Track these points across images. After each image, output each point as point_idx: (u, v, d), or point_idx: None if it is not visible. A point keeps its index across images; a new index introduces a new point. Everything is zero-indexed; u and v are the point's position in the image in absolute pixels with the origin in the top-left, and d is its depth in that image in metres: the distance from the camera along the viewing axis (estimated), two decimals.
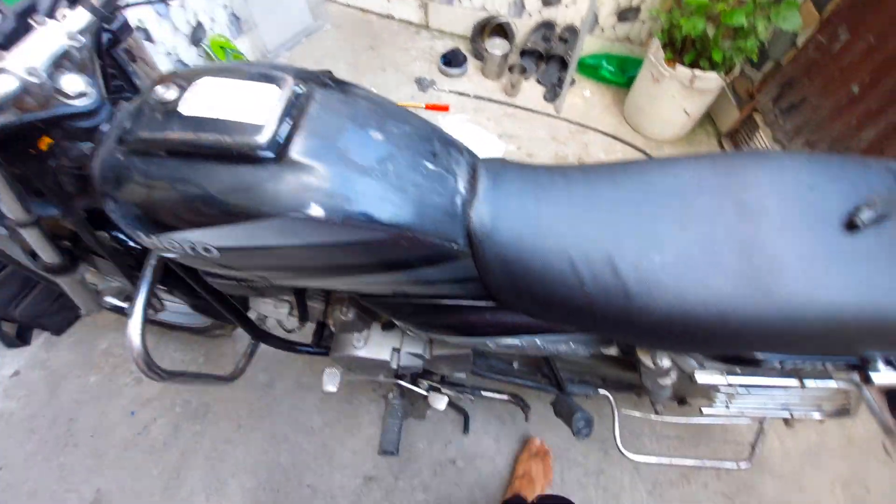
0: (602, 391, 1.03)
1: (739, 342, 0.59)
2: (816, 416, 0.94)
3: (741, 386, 0.73)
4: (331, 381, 1.07)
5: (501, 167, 0.66)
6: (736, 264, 0.57)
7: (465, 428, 1.36)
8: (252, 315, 1.09)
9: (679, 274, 0.58)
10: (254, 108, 0.54)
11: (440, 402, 1.03)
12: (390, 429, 1.01)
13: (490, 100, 2.15)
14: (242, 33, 2.14)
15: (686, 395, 1.05)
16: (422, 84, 2.18)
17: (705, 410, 0.96)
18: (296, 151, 0.53)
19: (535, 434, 1.38)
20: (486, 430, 1.39)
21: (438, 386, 1.10)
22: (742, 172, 0.62)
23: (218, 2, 1.98)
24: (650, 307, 0.59)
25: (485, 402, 1.42)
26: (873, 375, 0.60)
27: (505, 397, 1.12)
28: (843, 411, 0.91)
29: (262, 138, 0.52)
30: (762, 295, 0.55)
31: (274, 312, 1.00)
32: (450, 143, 0.65)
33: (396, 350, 0.97)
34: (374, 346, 0.96)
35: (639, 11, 2.03)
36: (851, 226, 0.56)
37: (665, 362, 0.71)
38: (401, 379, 1.09)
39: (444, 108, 2.08)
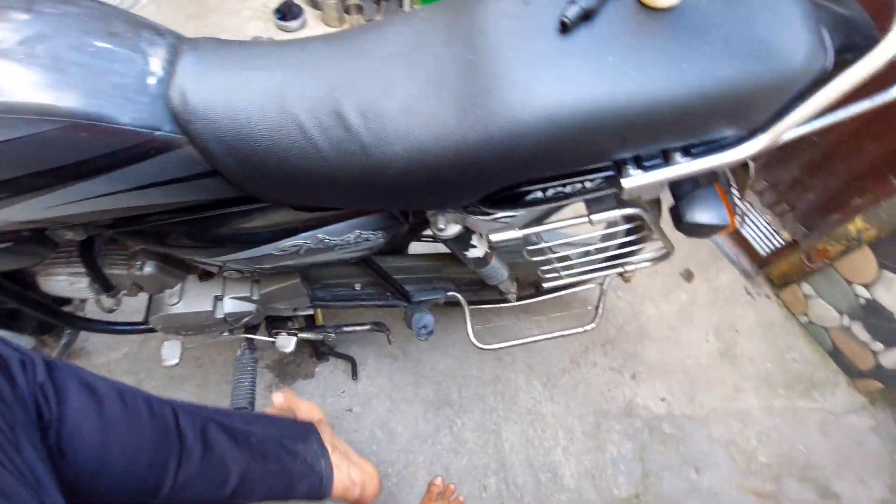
0: (453, 293, 1.01)
1: (484, 176, 0.57)
2: (645, 263, 0.98)
3: (536, 235, 0.72)
4: (171, 354, 0.98)
5: (212, 45, 0.59)
6: (459, 92, 0.54)
7: (354, 374, 1.31)
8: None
9: (409, 116, 0.55)
10: None
11: (289, 343, 0.97)
12: (240, 384, 0.94)
13: None
14: None
15: (531, 279, 1.05)
16: None
17: (545, 286, 0.97)
18: None
19: (426, 358, 1.36)
20: (378, 372, 1.36)
21: (296, 331, 1.04)
22: (468, 9, 0.59)
23: None
24: (388, 157, 0.55)
25: (375, 343, 1.38)
26: (624, 181, 0.60)
27: (366, 327, 1.07)
28: (665, 254, 0.94)
29: None
30: (486, 115, 0.52)
31: (73, 290, 0.88)
32: (141, 25, 0.57)
33: (219, 298, 0.89)
34: (192, 298, 0.88)
35: None
36: (563, 28, 0.55)
37: (452, 228, 0.69)
38: (251, 332, 1.02)
39: None
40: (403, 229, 0.74)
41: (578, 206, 0.73)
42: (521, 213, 0.65)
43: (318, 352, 1.31)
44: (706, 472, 1.27)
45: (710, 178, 0.71)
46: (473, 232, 0.74)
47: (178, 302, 0.87)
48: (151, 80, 0.53)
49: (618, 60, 0.53)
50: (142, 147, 0.53)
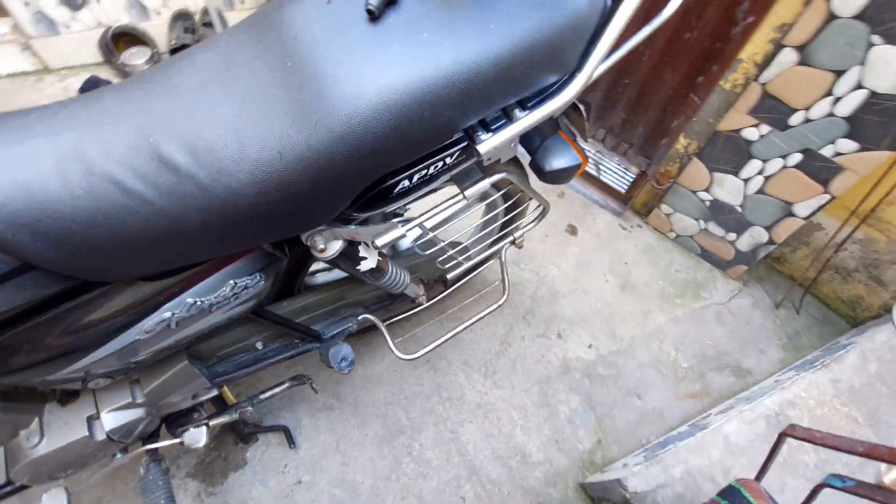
0: (364, 317, 0.97)
1: (340, 178, 0.55)
2: (529, 226, 1.02)
3: (417, 226, 0.72)
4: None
5: None
6: (288, 101, 0.52)
7: (290, 442, 1.20)
8: None
9: (241, 139, 0.51)
10: None
11: (199, 437, 0.84)
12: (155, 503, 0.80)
13: None
14: None
15: (436, 276, 1.05)
16: None
17: (450, 277, 0.97)
18: None
19: (362, 395, 1.29)
20: (317, 429, 1.25)
21: (205, 421, 0.91)
22: (272, 20, 0.57)
23: None
24: (232, 187, 0.50)
25: (305, 402, 1.27)
26: (479, 147, 0.62)
27: (285, 385, 0.98)
28: (543, 211, 1.00)
29: None
30: (323, 117, 0.51)
31: None
32: None
33: (93, 417, 0.74)
34: (58, 429, 0.72)
35: None
36: (371, 16, 0.55)
37: (333, 245, 0.66)
38: (148, 441, 0.87)
39: None
40: (283, 264, 0.68)
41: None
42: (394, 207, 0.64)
43: (241, 435, 1.17)
44: (646, 395, 1.37)
45: (553, 129, 0.77)
46: (358, 243, 0.71)
47: (40, 441, 0.71)
48: None
49: (433, 36, 0.54)
50: None
